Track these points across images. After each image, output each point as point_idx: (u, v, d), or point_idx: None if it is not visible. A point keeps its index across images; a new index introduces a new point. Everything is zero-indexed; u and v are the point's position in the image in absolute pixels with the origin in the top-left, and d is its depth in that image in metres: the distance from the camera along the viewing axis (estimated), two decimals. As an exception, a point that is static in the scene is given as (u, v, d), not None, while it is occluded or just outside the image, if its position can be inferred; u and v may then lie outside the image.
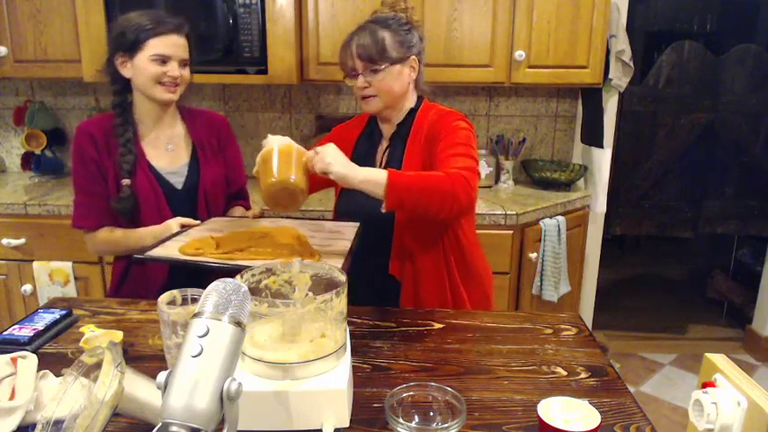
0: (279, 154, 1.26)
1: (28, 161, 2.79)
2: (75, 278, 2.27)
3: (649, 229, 3.15)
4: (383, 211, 1.24)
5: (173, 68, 1.48)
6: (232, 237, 1.34)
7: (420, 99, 1.52)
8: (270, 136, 1.36)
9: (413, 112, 1.50)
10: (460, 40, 2.35)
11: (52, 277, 2.27)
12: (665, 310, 3.77)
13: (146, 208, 1.52)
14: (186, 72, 1.53)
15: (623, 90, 2.60)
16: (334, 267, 1.05)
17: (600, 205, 2.70)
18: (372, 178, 1.22)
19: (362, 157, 1.53)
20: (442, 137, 1.39)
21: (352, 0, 2.29)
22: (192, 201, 1.58)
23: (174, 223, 1.47)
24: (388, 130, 1.53)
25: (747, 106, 2.93)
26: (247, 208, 1.74)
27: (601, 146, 2.59)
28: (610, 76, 2.47)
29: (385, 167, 1.47)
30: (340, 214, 1.59)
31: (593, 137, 2.61)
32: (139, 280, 1.55)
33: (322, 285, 1.04)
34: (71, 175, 1.56)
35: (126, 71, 1.50)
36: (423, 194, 1.24)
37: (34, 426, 0.86)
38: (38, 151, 2.70)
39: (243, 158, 1.76)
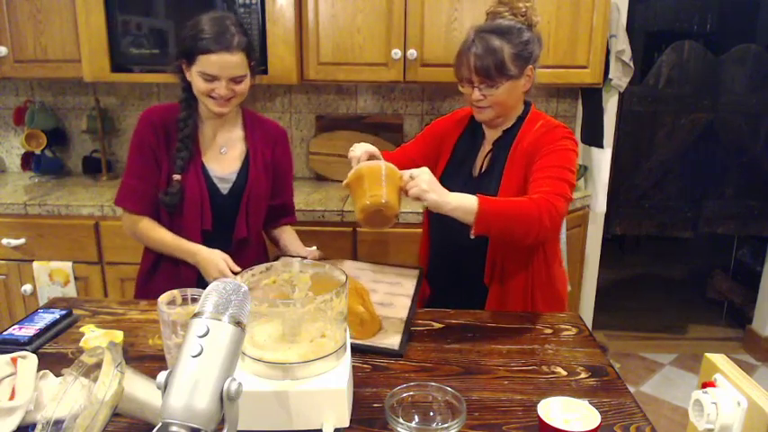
0: (372, 173, 1.24)
1: (28, 161, 2.79)
2: (75, 278, 2.27)
3: (649, 229, 3.14)
4: (471, 236, 1.23)
5: (220, 87, 1.45)
6: None
7: (527, 104, 1.49)
8: (356, 145, 1.38)
9: (520, 119, 1.47)
10: (460, 40, 2.32)
11: (52, 277, 2.27)
12: (665, 310, 3.77)
13: (189, 206, 1.54)
14: (241, 86, 1.50)
15: (623, 90, 2.60)
16: (335, 267, 1.05)
17: (600, 205, 2.69)
18: (463, 206, 1.21)
19: (462, 159, 1.52)
20: (542, 154, 1.37)
21: (352, 0, 2.29)
22: (234, 207, 1.59)
23: (219, 259, 1.47)
24: (492, 134, 1.50)
25: (747, 106, 2.92)
26: (293, 223, 1.76)
27: (601, 146, 2.59)
28: (610, 76, 2.47)
29: (484, 173, 1.48)
30: (432, 222, 1.60)
31: (593, 137, 2.61)
32: (170, 279, 1.54)
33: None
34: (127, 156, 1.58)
35: (188, 75, 1.50)
36: (509, 222, 1.24)
37: (34, 426, 0.86)
38: (38, 151, 2.70)
39: (293, 172, 1.77)
